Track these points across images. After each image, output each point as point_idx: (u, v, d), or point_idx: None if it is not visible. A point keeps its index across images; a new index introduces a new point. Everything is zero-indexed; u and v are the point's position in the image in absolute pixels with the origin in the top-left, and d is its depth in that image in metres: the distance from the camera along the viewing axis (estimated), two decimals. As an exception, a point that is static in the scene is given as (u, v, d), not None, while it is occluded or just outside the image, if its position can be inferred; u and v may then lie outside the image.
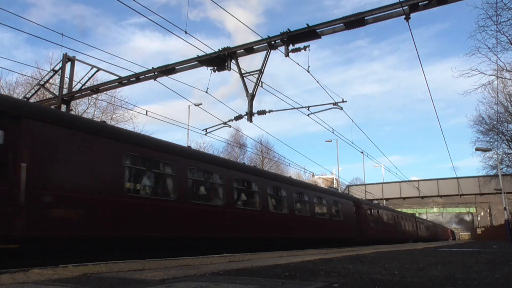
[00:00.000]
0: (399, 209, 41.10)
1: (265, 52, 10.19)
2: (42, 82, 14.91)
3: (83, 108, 25.33)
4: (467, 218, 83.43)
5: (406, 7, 8.43)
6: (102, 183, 8.09)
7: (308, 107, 12.27)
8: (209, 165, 11.48)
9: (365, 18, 9.07)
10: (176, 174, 9.84)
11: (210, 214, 10.93)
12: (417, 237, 37.54)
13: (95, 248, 7.95)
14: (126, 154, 8.67)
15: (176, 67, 11.61)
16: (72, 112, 14.70)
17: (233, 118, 11.59)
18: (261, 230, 13.12)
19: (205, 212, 10.76)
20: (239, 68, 10.45)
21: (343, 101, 11.72)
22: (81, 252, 7.67)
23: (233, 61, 10.53)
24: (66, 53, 13.69)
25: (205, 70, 10.90)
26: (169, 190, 9.81)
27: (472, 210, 72.92)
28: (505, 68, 19.45)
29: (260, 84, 10.29)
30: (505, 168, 31.38)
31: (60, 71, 13.86)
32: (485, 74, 19.37)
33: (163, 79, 12.07)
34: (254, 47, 10.41)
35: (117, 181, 8.35)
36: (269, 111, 11.69)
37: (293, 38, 9.72)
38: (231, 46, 10.52)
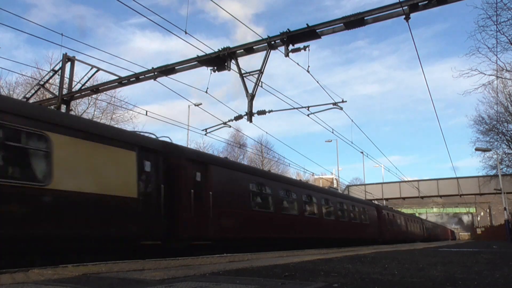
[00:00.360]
0: (399, 209, 41.15)
1: (265, 52, 10.20)
2: (42, 82, 14.91)
3: (83, 108, 25.34)
4: (466, 218, 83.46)
5: (406, 7, 8.43)
6: (240, 202, 12.58)
7: (308, 107, 12.28)
8: (279, 183, 15.48)
9: (365, 18, 9.07)
10: (271, 193, 14.38)
11: (284, 219, 15.01)
12: (423, 237, 40.60)
13: (244, 244, 12.32)
14: (250, 182, 13.41)
15: (176, 67, 11.61)
16: (72, 112, 14.70)
17: (233, 118, 11.60)
18: (300, 232, 16.35)
19: (285, 219, 15.11)
20: (239, 68, 10.45)
21: (343, 101, 11.73)
22: (242, 247, 11.75)
23: (233, 61, 10.53)
24: (66, 53, 13.69)
25: (205, 70, 10.91)
26: (269, 204, 14.33)
27: (472, 210, 72.93)
28: (505, 68, 19.48)
29: (260, 84, 10.29)
30: (505, 168, 31.42)
31: (60, 71, 13.85)
32: (485, 74, 19.39)
33: (163, 79, 12.08)
34: (254, 47, 10.41)
35: (247, 200, 12.97)
36: (269, 111, 11.70)
37: (293, 38, 9.72)
38: (231, 46, 10.53)
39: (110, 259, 7.27)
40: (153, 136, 10.66)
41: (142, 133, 11.28)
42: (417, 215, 55.09)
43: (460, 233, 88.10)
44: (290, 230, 15.32)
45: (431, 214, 76.59)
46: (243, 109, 10.51)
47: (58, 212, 7.31)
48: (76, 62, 14.02)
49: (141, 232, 8.94)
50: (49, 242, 7.17)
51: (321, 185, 36.16)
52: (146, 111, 15.02)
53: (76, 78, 14.65)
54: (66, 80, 13.90)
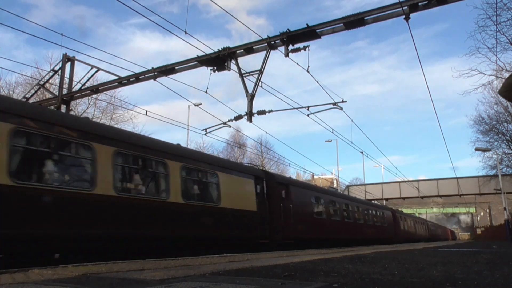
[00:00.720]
0: (399, 209, 41.23)
1: (264, 52, 10.20)
2: (42, 82, 14.91)
3: (83, 108, 25.35)
4: (465, 218, 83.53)
5: (406, 7, 8.44)
6: (307, 212, 16.69)
7: (308, 107, 12.28)
8: (327, 195, 19.94)
9: (365, 18, 9.08)
10: (323, 204, 18.54)
11: (331, 224, 19.38)
12: (428, 237, 43.29)
13: (309, 242, 16.09)
14: (313, 197, 17.80)
15: (176, 67, 11.62)
16: (72, 112, 14.71)
17: (232, 118, 11.61)
18: (341, 233, 20.30)
19: (332, 223, 19.40)
20: (239, 68, 10.46)
21: (342, 101, 11.74)
22: (308, 245, 15.31)
23: (232, 61, 10.53)
24: (66, 53, 13.70)
25: (206, 70, 10.91)
26: (323, 213, 18.43)
27: (472, 210, 72.97)
28: (504, 68, 19.47)
29: (260, 84, 10.29)
30: (505, 168, 31.43)
31: (60, 71, 13.86)
32: (485, 74, 19.41)
33: (163, 80, 12.08)
34: (254, 47, 10.42)
35: (310, 210, 17.08)
36: (269, 111, 11.70)
37: (293, 38, 9.72)
38: (231, 46, 10.53)
39: (112, 259, 7.30)
40: (255, 167, 17.38)
41: (246, 163, 17.35)
42: (417, 215, 55.11)
43: (460, 233, 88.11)
44: (335, 232, 19.50)
45: (431, 214, 76.60)
46: (243, 109, 10.52)
47: (225, 221, 11.65)
48: (76, 62, 14.02)
49: (258, 234, 13.17)
50: (214, 239, 11.26)
51: (320, 185, 36.22)
52: (146, 111, 15.02)
53: (76, 78, 14.67)
54: (66, 80, 13.91)
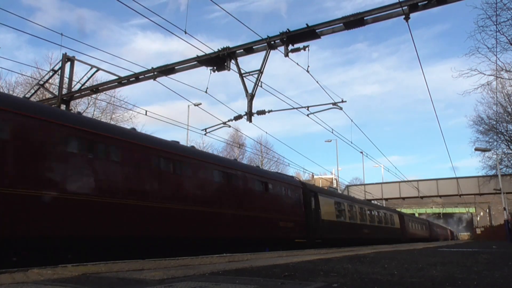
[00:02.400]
0: (399, 209, 41.25)
1: (264, 52, 10.19)
2: (41, 82, 14.90)
3: (82, 108, 25.33)
4: (465, 217, 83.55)
5: (406, 7, 8.43)
6: (330, 215, 19.31)
7: (308, 107, 12.27)
8: (346, 200, 23.27)
9: (365, 18, 9.07)
10: (344, 208, 21.52)
11: (363, 226, 24.41)
12: (430, 237, 46.31)
13: (331, 241, 18.14)
14: (336, 202, 20.49)
15: (176, 67, 11.60)
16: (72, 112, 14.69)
17: (232, 118, 11.59)
18: (360, 234, 23.81)
19: (351, 225, 22.44)
20: (239, 68, 10.45)
21: (342, 101, 11.73)
22: (335, 245, 17.54)
23: (232, 61, 10.53)
24: (65, 53, 13.68)
25: (207, 71, 10.90)
26: (343, 215, 21.39)
27: (472, 210, 72.95)
28: (504, 68, 19.45)
29: (259, 84, 10.28)
30: (505, 168, 31.38)
31: (59, 71, 13.85)
32: (485, 74, 19.35)
33: (163, 80, 12.08)
34: (254, 47, 10.41)
35: (333, 213, 19.73)
36: (269, 111, 11.69)
37: (293, 38, 9.72)
38: (231, 46, 10.52)
39: (111, 259, 7.30)
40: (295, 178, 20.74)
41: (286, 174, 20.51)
42: (416, 215, 55.13)
43: (459, 233, 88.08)
44: (354, 232, 22.42)
45: (430, 213, 76.58)
46: (244, 109, 10.50)
47: (285, 227, 15.55)
48: (76, 62, 14.01)
49: (299, 235, 16.39)
50: (277, 239, 15.02)
51: (320, 185, 36.27)
52: (146, 111, 15.00)
53: (76, 78, 14.65)
54: (66, 80, 13.90)
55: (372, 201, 35.97)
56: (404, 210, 46.74)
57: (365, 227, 24.78)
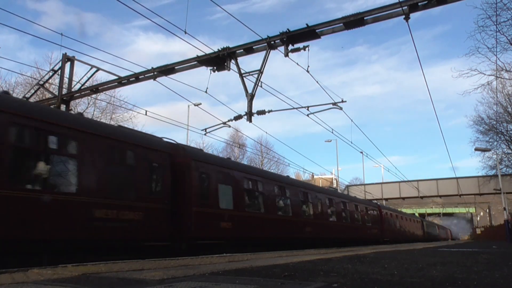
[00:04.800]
0: (399, 209, 41.25)
1: (264, 52, 10.19)
2: (41, 82, 14.90)
3: (82, 108, 25.34)
4: (465, 219, 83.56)
5: (406, 7, 8.43)
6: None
7: (308, 107, 12.28)
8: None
9: (365, 18, 9.07)
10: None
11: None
12: (437, 237, 50.29)
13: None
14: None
15: (176, 67, 11.60)
16: (72, 112, 14.69)
17: (232, 118, 11.60)
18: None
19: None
20: (239, 68, 10.45)
21: (342, 101, 11.73)
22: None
23: (232, 61, 10.52)
24: (65, 53, 13.68)
25: (207, 71, 10.89)
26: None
27: (472, 210, 72.91)
28: (504, 68, 19.44)
29: (259, 84, 10.28)
30: (505, 168, 31.37)
31: (59, 71, 13.85)
32: (485, 74, 19.35)
33: (164, 80, 12.08)
34: (254, 47, 10.41)
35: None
36: (269, 111, 11.69)
37: (293, 38, 9.71)
38: (231, 46, 10.52)
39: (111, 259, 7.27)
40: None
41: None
42: (416, 215, 55.14)
43: (459, 233, 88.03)
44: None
45: (430, 213, 76.56)
46: (245, 109, 10.50)
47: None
48: (76, 62, 14.01)
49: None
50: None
51: (320, 185, 36.26)
52: (146, 111, 15.02)
53: (76, 78, 14.65)
54: (66, 80, 13.90)
55: (373, 201, 35.76)
56: (404, 210, 46.70)
57: (407, 227, 30.83)
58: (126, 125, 26.28)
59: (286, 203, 15.28)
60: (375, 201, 33.52)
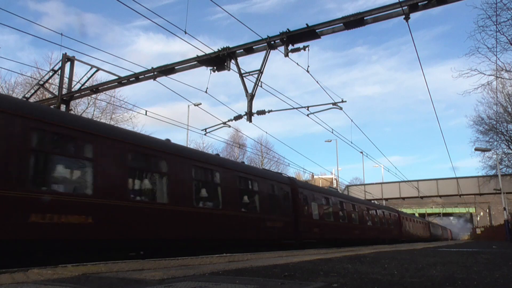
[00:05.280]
0: (399, 209, 41.28)
1: (264, 52, 10.19)
2: (41, 82, 14.90)
3: (82, 108, 25.34)
4: (464, 220, 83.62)
5: (406, 7, 8.44)
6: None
7: (308, 107, 12.28)
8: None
9: (365, 18, 9.07)
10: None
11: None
12: (440, 237, 52.17)
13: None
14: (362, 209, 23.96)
15: (176, 67, 11.61)
16: (72, 112, 14.70)
17: (232, 118, 11.60)
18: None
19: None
20: (239, 68, 10.45)
21: (342, 101, 11.73)
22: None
23: (232, 61, 10.53)
24: (65, 53, 13.68)
25: (208, 72, 10.89)
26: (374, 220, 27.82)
27: (472, 210, 72.92)
28: (504, 68, 19.45)
29: (259, 84, 10.29)
30: (505, 168, 31.39)
31: (59, 71, 13.85)
32: (485, 74, 19.37)
33: (164, 80, 12.08)
34: (254, 47, 10.41)
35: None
36: (269, 111, 11.70)
37: (293, 38, 9.72)
38: (231, 46, 10.52)
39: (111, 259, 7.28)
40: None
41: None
42: (416, 215, 55.17)
43: (459, 233, 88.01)
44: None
45: (430, 213, 76.57)
46: (245, 110, 10.51)
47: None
48: (76, 62, 14.01)
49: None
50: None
51: (320, 185, 36.28)
52: (146, 111, 15.00)
53: (76, 78, 14.66)
54: (66, 80, 13.90)
55: (373, 201, 35.87)
56: (404, 210, 46.74)
57: (420, 228, 36.35)
58: (126, 125, 26.33)
59: (349, 214, 21.10)
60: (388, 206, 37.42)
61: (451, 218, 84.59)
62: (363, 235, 22.92)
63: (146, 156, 9.64)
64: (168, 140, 10.78)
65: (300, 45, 9.74)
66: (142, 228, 8.76)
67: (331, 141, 40.01)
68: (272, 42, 9.99)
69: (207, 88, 11.44)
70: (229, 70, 10.54)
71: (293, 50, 9.80)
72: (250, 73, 10.34)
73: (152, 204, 9.37)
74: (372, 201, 36.77)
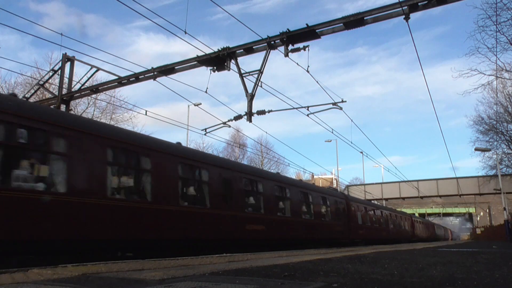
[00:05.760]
0: (399, 209, 41.29)
1: (264, 52, 10.19)
2: (41, 82, 14.90)
3: (82, 108, 25.34)
4: (466, 217, 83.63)
5: (406, 7, 8.43)
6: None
7: (308, 107, 12.27)
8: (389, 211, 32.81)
9: (365, 18, 9.06)
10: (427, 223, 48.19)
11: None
12: (442, 237, 55.31)
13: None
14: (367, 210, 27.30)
15: (176, 67, 11.60)
16: (72, 112, 14.71)
17: (232, 118, 11.59)
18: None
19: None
20: (239, 68, 10.45)
21: (342, 101, 11.73)
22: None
23: (232, 61, 10.52)
24: (65, 53, 13.68)
25: (209, 72, 10.89)
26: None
27: (472, 210, 72.91)
28: (504, 68, 19.46)
29: (259, 84, 10.28)
30: (505, 168, 31.38)
31: (59, 71, 13.85)
32: (485, 74, 19.38)
33: (165, 81, 12.08)
34: (254, 47, 10.40)
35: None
36: (269, 111, 11.69)
37: (293, 38, 9.71)
38: (231, 46, 10.52)
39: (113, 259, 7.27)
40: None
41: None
42: (416, 215, 55.22)
43: (459, 233, 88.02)
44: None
45: (430, 213, 76.57)
46: (245, 110, 10.50)
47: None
48: (76, 62, 14.00)
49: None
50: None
51: (320, 185, 36.30)
52: (146, 111, 14.99)
53: (76, 78, 14.65)
54: (66, 80, 13.90)
55: (372, 201, 35.86)
56: (404, 210, 46.78)
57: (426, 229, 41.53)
58: (126, 126, 26.34)
59: (378, 219, 26.76)
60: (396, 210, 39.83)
61: (451, 218, 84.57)
62: (388, 236, 27.98)
63: (191, 166, 10.81)
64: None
65: (300, 45, 9.74)
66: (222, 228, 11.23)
67: (331, 141, 40.04)
68: (272, 42, 9.98)
69: (207, 88, 11.44)
70: (229, 70, 10.53)
71: (293, 50, 9.79)
72: (250, 73, 10.33)
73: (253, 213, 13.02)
74: (373, 201, 37.06)
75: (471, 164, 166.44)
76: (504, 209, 28.02)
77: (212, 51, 10.52)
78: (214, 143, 71.71)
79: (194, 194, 10.63)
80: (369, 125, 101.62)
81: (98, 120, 24.25)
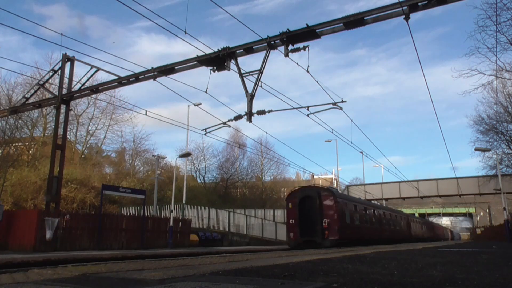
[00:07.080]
0: (399, 209, 41.35)
1: (264, 52, 10.19)
2: (41, 82, 14.90)
3: (82, 108, 25.35)
4: (466, 218, 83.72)
5: (406, 7, 8.44)
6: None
7: (308, 107, 12.27)
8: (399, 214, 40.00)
9: (365, 18, 9.07)
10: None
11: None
12: (435, 236, 53.40)
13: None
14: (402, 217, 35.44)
15: (176, 67, 11.61)
16: (72, 112, 14.70)
17: (232, 118, 11.59)
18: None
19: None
20: (239, 68, 10.45)
21: (342, 101, 11.72)
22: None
23: (232, 61, 10.52)
24: (65, 53, 13.69)
25: (209, 72, 10.88)
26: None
27: (472, 210, 72.92)
28: (504, 68, 19.46)
29: (259, 84, 10.28)
30: (505, 168, 31.38)
31: (59, 71, 13.85)
32: (485, 74, 19.38)
33: (165, 81, 12.08)
34: (254, 47, 10.41)
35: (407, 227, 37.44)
36: (269, 111, 11.68)
37: (293, 38, 9.72)
38: (231, 46, 10.52)
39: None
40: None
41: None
42: (416, 215, 55.27)
43: (459, 233, 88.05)
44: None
45: (430, 213, 76.59)
46: (245, 110, 10.50)
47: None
48: (76, 62, 14.01)
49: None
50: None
51: (320, 185, 36.30)
52: (146, 111, 14.96)
53: (76, 78, 14.66)
54: (66, 80, 13.90)
55: (372, 201, 35.95)
56: (404, 210, 46.83)
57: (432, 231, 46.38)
58: (126, 125, 26.33)
59: (395, 223, 30.98)
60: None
61: (451, 218, 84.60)
62: (397, 236, 31.74)
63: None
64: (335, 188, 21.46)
65: (300, 45, 9.75)
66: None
67: (331, 141, 40.06)
68: (272, 42, 9.99)
69: (207, 88, 11.45)
70: (229, 70, 10.54)
71: (293, 50, 9.80)
72: (250, 73, 10.34)
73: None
74: (373, 201, 37.21)
75: (471, 164, 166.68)
76: (504, 209, 27.98)
77: (212, 51, 10.52)
78: (214, 143, 71.74)
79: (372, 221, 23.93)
80: (370, 125, 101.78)
81: (98, 119, 24.23)
